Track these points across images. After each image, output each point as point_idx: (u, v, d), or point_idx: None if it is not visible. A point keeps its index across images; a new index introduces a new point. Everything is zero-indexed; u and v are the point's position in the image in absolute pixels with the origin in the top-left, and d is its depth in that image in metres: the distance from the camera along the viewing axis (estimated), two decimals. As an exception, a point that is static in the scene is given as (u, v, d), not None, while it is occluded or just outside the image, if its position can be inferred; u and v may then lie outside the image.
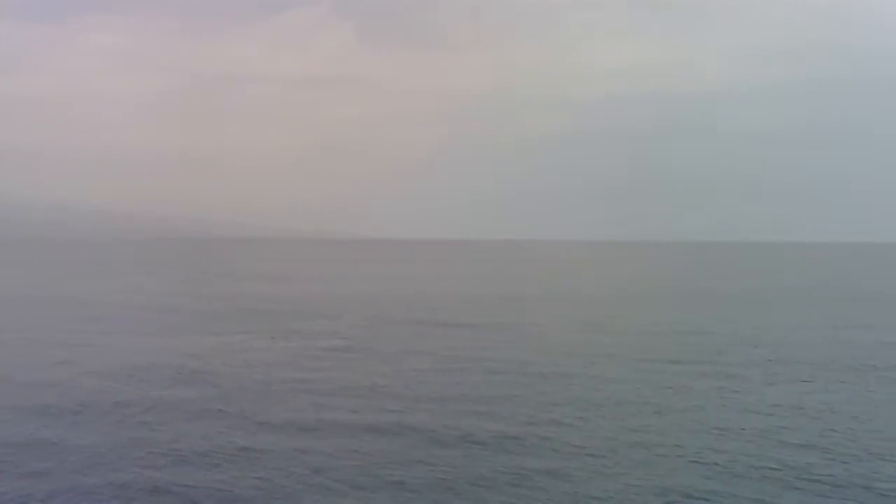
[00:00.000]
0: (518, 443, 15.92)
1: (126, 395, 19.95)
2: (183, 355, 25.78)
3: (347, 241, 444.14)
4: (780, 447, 15.60)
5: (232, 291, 55.27)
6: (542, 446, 15.71)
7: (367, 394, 20.44)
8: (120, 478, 13.71)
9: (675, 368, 24.19)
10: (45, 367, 23.96)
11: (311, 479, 13.79)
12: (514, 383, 21.76)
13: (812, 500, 12.94)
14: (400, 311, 41.04)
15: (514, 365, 24.60)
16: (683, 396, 20.18)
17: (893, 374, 23.35)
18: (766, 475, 13.96)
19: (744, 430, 16.85)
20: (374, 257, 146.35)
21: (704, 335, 32.21)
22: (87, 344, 28.76)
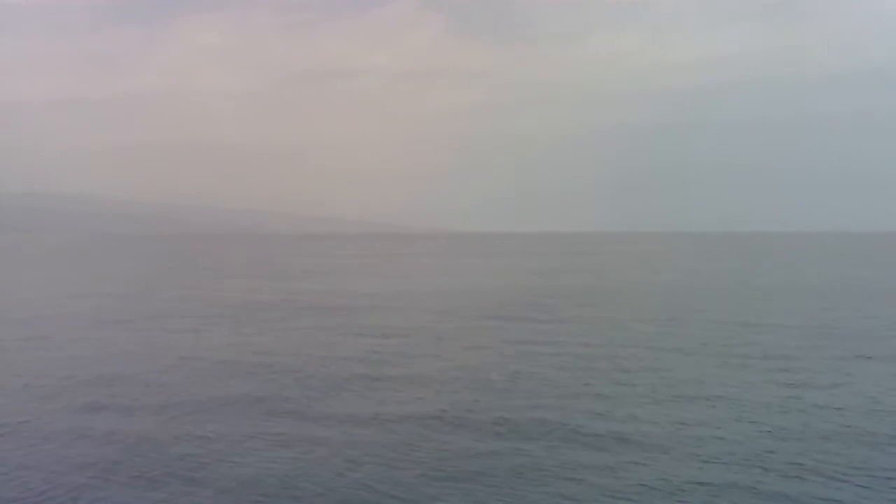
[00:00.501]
0: (577, 434, 15.77)
1: (199, 389, 20.42)
2: (266, 351, 26.19)
3: (438, 234, 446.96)
4: (851, 447, 14.89)
5: (320, 288, 56.05)
6: (601, 439, 15.46)
7: (438, 385, 20.42)
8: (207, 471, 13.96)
9: (752, 363, 23.29)
10: (166, 361, 24.58)
11: (391, 469, 13.87)
12: (586, 376, 21.34)
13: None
14: (486, 305, 40.81)
15: (585, 357, 24.19)
16: (754, 392, 19.42)
17: None
18: (835, 476, 13.30)
19: (823, 429, 16.06)
20: (459, 251, 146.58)
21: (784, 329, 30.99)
22: (196, 337, 29.70)
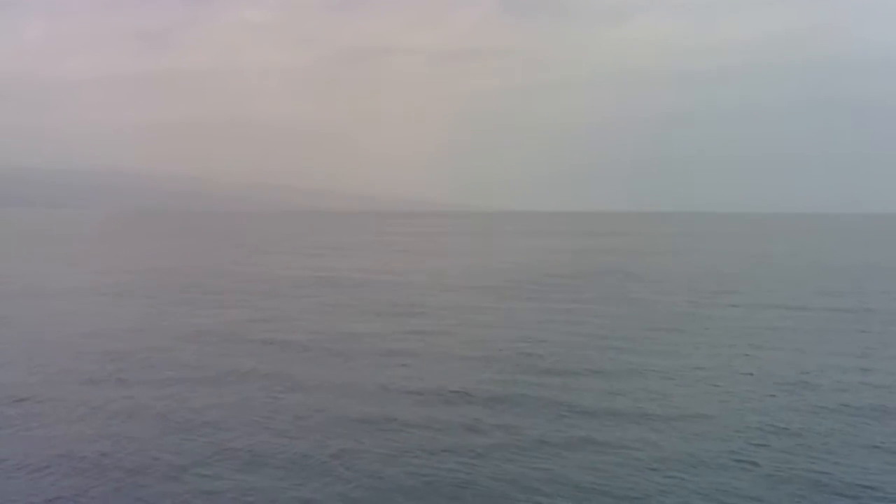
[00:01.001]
0: (617, 414, 15.35)
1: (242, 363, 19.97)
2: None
3: (486, 213, 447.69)
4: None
5: (346, 265, 55.93)
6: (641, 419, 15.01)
7: (483, 365, 19.91)
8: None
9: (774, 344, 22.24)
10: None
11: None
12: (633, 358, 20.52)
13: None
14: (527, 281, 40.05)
15: (632, 340, 23.36)
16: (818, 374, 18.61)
17: None
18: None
19: None
20: (514, 230, 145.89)
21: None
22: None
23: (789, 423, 14.64)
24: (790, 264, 56.90)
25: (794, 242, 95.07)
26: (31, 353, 21.50)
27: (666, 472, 12.19)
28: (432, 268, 51.75)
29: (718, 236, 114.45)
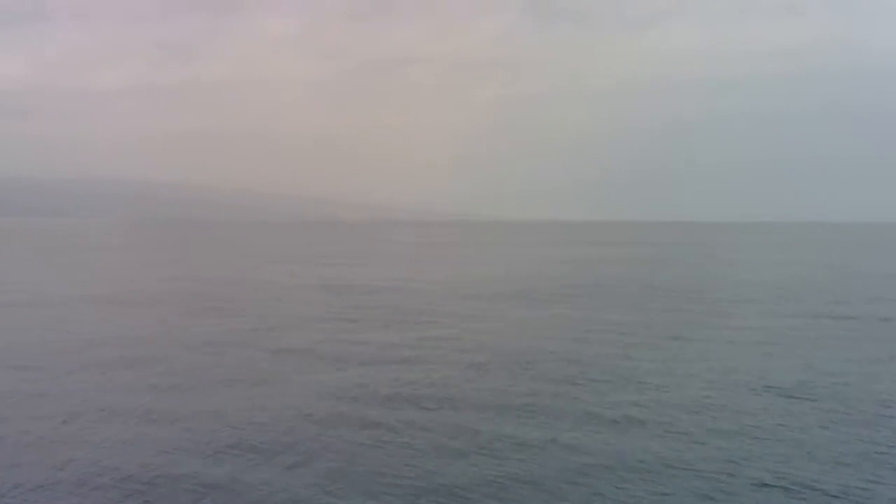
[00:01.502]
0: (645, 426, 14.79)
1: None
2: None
3: (500, 223, 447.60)
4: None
5: (358, 275, 55.50)
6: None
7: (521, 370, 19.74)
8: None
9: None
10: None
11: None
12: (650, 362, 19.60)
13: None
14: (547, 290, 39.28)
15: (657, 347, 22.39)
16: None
17: None
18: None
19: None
20: (533, 240, 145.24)
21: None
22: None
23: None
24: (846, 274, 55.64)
25: (838, 253, 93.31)
26: (46, 359, 21.35)
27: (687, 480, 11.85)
28: (447, 277, 51.33)
29: (752, 246, 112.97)
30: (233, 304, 34.38)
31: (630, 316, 30.56)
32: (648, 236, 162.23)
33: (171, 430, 14.55)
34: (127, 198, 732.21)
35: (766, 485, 11.73)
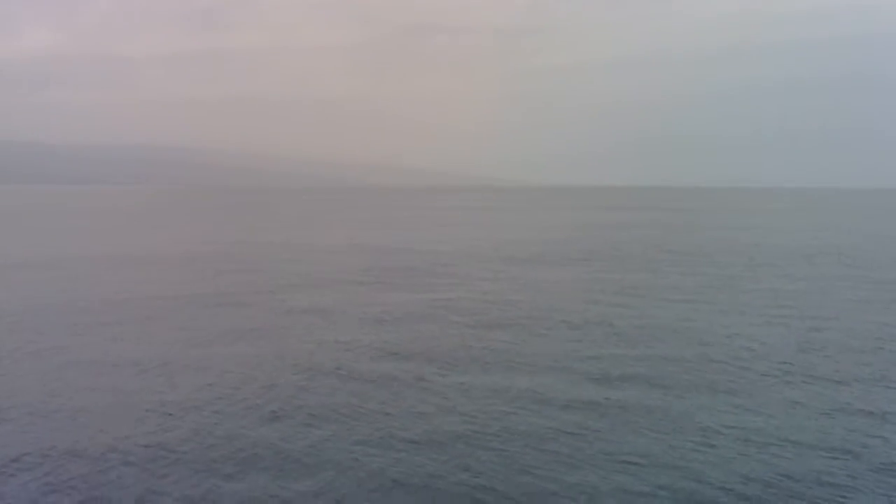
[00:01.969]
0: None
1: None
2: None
3: (541, 188, 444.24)
4: None
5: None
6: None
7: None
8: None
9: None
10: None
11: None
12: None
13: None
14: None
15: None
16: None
17: None
18: None
19: None
20: (558, 204, 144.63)
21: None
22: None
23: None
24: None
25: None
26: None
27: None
28: (474, 240, 51.80)
29: (774, 212, 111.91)
30: (265, 265, 35.86)
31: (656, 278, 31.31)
32: (679, 202, 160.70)
33: (196, 380, 15.60)
34: (164, 164, 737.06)
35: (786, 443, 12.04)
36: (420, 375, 15.78)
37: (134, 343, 18.96)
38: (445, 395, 14.47)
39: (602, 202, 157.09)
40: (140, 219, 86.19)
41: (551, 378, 15.56)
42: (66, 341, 19.16)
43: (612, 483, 10.53)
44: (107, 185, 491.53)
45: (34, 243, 49.25)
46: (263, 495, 10.20)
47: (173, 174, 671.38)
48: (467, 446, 11.89)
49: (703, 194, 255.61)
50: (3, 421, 13.11)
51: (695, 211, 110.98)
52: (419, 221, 78.99)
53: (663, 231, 62.83)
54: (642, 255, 41.26)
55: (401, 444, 12.00)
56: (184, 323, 21.58)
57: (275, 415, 13.41)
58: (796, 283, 29.62)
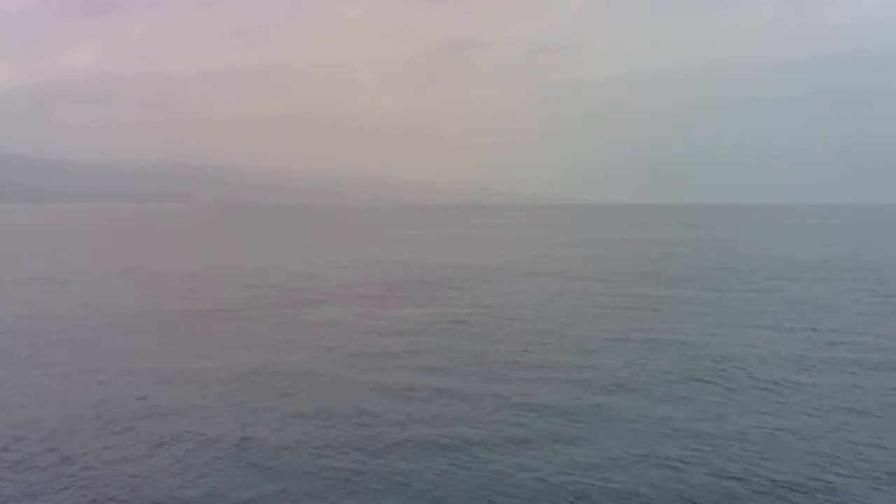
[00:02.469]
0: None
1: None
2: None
3: (568, 205, 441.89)
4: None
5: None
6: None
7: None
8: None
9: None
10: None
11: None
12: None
13: None
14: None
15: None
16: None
17: None
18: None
19: None
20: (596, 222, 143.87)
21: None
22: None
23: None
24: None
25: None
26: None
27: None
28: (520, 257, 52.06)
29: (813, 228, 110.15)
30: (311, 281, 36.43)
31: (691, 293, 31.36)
32: (723, 219, 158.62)
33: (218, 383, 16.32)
34: (208, 183, 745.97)
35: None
36: (441, 387, 15.95)
37: (164, 354, 19.56)
38: (462, 404, 14.77)
39: (646, 220, 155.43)
40: (184, 235, 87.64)
41: (571, 388, 15.83)
42: (97, 352, 19.86)
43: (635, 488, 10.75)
44: (150, 203, 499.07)
45: (73, 260, 50.50)
46: (266, 500, 10.55)
47: (222, 192, 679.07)
48: (485, 451, 12.19)
49: (752, 211, 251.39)
50: (25, 428, 13.48)
51: (741, 227, 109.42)
52: (464, 241, 79.24)
53: (708, 249, 62.16)
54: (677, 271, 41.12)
55: (405, 449, 12.35)
56: (224, 331, 22.65)
57: (285, 420, 13.79)
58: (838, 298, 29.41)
